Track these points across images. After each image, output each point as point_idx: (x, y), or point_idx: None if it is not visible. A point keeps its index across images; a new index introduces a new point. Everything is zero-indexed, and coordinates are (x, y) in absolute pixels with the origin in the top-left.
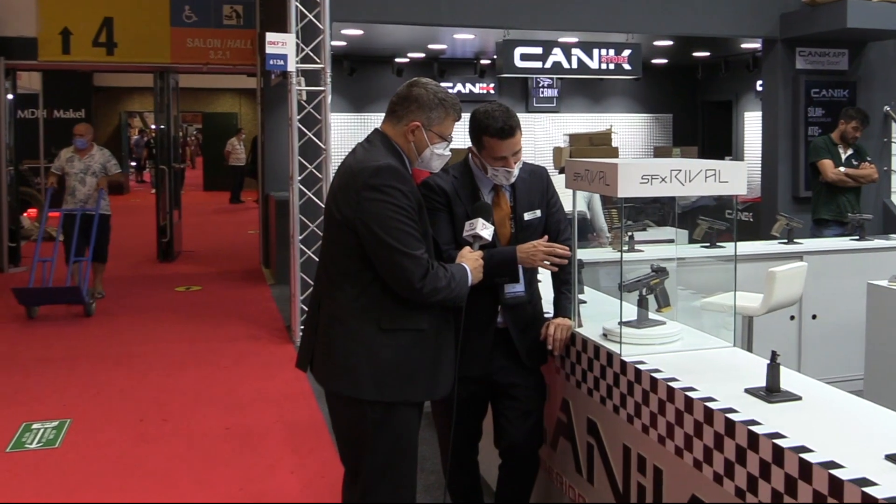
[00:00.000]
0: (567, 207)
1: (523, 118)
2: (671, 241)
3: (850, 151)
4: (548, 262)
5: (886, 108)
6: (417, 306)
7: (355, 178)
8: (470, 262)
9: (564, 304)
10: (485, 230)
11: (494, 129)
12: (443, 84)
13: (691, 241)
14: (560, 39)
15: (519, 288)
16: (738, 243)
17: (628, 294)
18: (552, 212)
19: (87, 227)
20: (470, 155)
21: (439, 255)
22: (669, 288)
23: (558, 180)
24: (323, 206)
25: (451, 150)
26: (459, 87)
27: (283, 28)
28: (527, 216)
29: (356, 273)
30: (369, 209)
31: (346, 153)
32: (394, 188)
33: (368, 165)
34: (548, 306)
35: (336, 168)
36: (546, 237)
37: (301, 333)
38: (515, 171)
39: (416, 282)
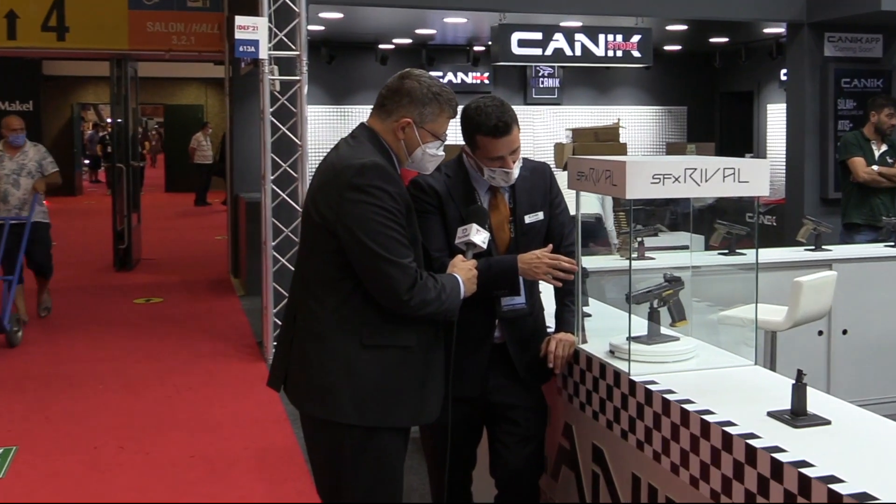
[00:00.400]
0: (571, 209)
1: (521, 111)
2: (685, 247)
3: (884, 148)
4: (550, 277)
5: None
6: (404, 320)
7: (338, 176)
8: (462, 272)
9: (567, 317)
10: (479, 237)
11: (488, 128)
12: (432, 73)
13: (708, 247)
14: (562, 24)
15: (519, 300)
16: (760, 250)
17: (638, 307)
18: (556, 213)
19: (18, 239)
20: (464, 154)
21: (430, 263)
22: (684, 300)
23: (560, 179)
24: (299, 208)
25: (446, 146)
26: (450, 76)
27: (254, 11)
28: (528, 219)
29: (336, 282)
30: (352, 211)
31: (324, 150)
32: (380, 189)
33: (352, 163)
34: (549, 319)
35: (313, 166)
36: (550, 245)
37: (274, 350)
38: (515, 171)
39: (402, 293)
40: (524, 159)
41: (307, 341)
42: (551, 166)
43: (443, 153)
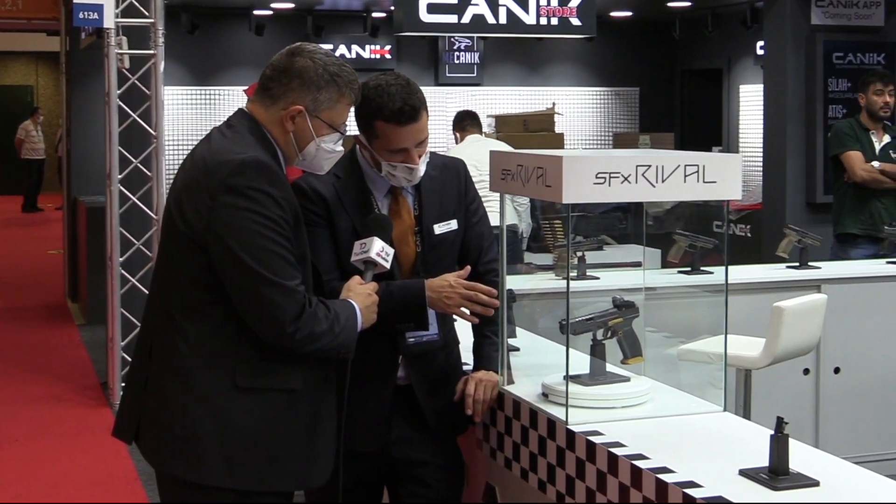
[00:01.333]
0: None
1: (432, 94)
2: (637, 264)
3: (886, 139)
4: (466, 311)
5: None
6: (288, 357)
7: (210, 175)
8: (360, 298)
9: (489, 352)
10: (378, 251)
11: (391, 112)
12: (325, 48)
13: (665, 264)
14: None
15: (429, 330)
16: (732, 267)
17: (577, 338)
18: (472, 222)
19: None
20: (357, 147)
21: (319, 287)
22: (637, 330)
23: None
24: (154, 215)
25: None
26: (343, 50)
27: None
28: (438, 229)
29: (204, 308)
30: (227, 219)
31: (185, 142)
32: (262, 192)
33: (229, 159)
34: (466, 354)
35: (171, 163)
36: (467, 267)
37: (122, 392)
38: (421, 167)
39: (287, 324)
40: (433, 154)
41: (166, 381)
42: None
43: (341, 148)
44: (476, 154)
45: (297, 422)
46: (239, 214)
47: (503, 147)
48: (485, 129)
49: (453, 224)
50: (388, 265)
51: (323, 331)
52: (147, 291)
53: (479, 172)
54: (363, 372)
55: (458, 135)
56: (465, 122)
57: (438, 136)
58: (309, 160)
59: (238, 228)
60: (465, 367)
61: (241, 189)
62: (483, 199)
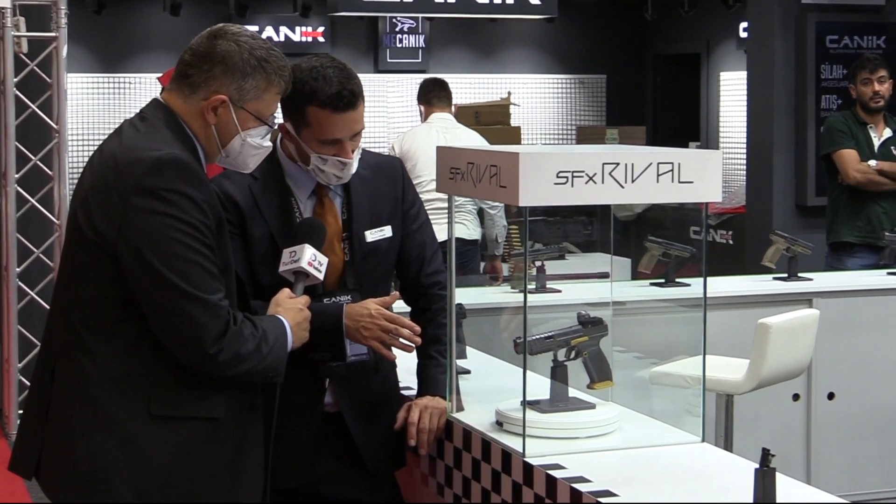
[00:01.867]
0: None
1: (371, 82)
2: (604, 275)
3: (887, 133)
4: (383, 345)
5: None
6: (209, 382)
7: (121, 175)
8: (290, 313)
9: (435, 374)
10: (310, 260)
11: (327, 96)
12: (250, 29)
13: (636, 275)
14: None
15: (359, 347)
16: (712, 279)
17: (537, 360)
18: (411, 229)
19: None
20: (278, 142)
21: (244, 301)
22: (605, 349)
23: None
24: (55, 220)
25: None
26: (270, 32)
27: None
28: (369, 236)
29: (115, 326)
30: (141, 225)
31: (91, 137)
32: (181, 194)
33: (143, 157)
34: (407, 377)
35: (76, 160)
36: (395, 294)
37: (20, 421)
38: (353, 163)
39: (208, 344)
40: (365, 152)
41: (71, 409)
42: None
43: (269, 144)
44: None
45: (218, 454)
46: (154, 219)
47: (474, 137)
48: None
49: (387, 231)
50: (321, 275)
51: (249, 352)
52: (48, 306)
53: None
54: (285, 398)
55: (422, 108)
56: (432, 95)
57: (377, 130)
58: (233, 157)
59: (153, 235)
60: (404, 393)
61: (157, 191)
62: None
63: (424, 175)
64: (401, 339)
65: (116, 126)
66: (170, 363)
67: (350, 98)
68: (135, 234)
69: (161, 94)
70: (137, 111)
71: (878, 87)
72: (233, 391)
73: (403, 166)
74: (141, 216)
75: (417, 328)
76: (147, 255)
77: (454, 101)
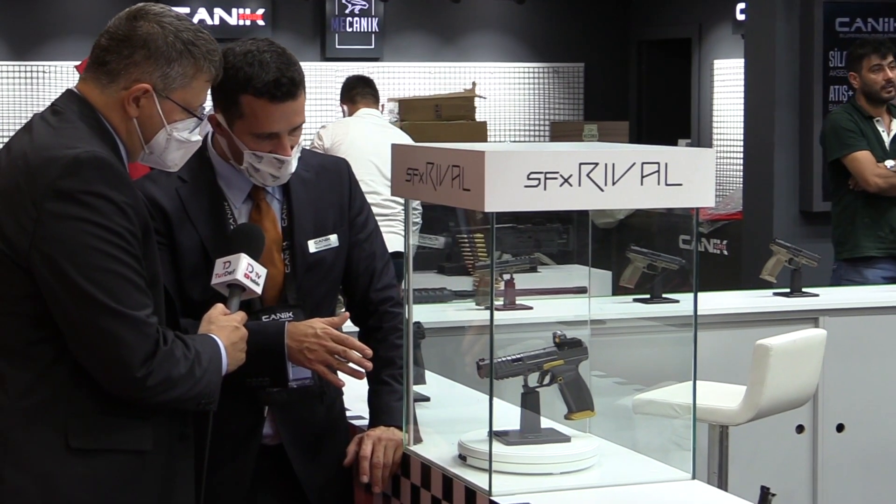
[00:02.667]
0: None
1: (316, 71)
2: (582, 290)
3: (895, 128)
4: (329, 369)
5: None
6: (135, 410)
7: (33, 177)
8: (225, 332)
9: (388, 401)
10: (246, 272)
11: (263, 83)
12: (176, 10)
13: (617, 289)
14: None
15: (301, 371)
16: (703, 294)
17: (505, 385)
18: (360, 239)
19: None
20: (209, 139)
21: (173, 317)
22: (584, 374)
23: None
24: None
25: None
26: (203, 14)
27: None
28: (313, 246)
29: (27, 348)
30: (57, 234)
31: (5, 131)
32: (102, 198)
33: (57, 156)
34: (358, 404)
35: None
36: (345, 314)
37: None
38: (293, 161)
39: (136, 367)
40: (307, 151)
41: None
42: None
43: (198, 139)
44: (376, 146)
45: (145, 492)
46: (72, 226)
47: (403, 137)
48: (386, 115)
49: (332, 240)
50: (259, 289)
51: (181, 375)
52: None
53: (383, 175)
54: (218, 427)
55: (345, 108)
56: (356, 92)
57: (316, 123)
58: (157, 153)
59: (71, 244)
60: (357, 423)
61: (75, 193)
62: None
63: (359, 174)
64: (350, 364)
65: (26, 121)
66: (90, 389)
67: (289, 86)
68: (50, 244)
69: (77, 84)
70: (49, 104)
71: (889, 73)
72: (160, 420)
73: (350, 168)
74: (56, 223)
75: (368, 351)
76: (64, 266)
77: (410, 94)
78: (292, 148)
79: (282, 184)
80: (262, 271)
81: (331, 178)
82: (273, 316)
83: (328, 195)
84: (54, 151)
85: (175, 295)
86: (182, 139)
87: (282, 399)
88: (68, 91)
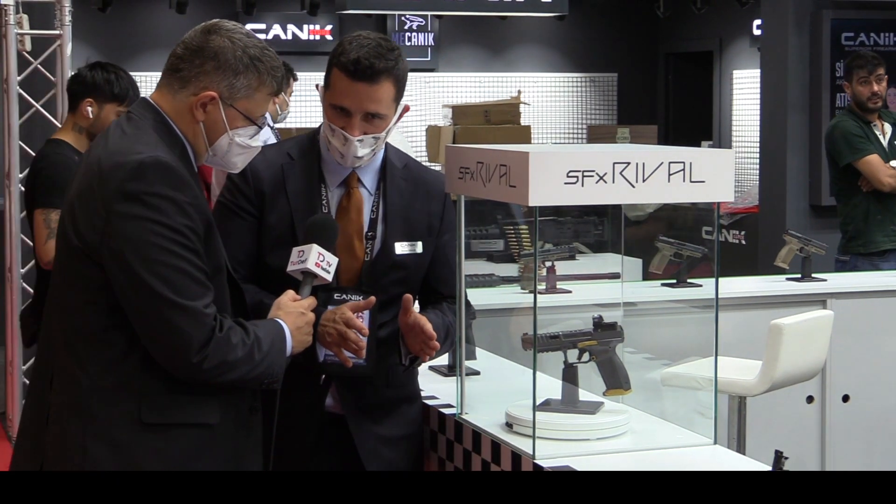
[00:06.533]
0: None
1: None
2: (615, 276)
3: (889, 130)
4: (342, 350)
5: None
6: (202, 388)
7: (104, 180)
8: (291, 318)
9: (433, 316)
10: (317, 261)
11: (347, 59)
12: (252, 28)
13: (647, 275)
14: None
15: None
16: (724, 279)
17: (549, 362)
18: (442, 252)
19: None
20: (322, 123)
21: (240, 300)
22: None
23: None
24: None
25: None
26: (278, 30)
27: None
28: (399, 248)
29: (103, 333)
30: (123, 232)
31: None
32: (164, 198)
33: (125, 161)
34: (430, 385)
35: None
36: (371, 298)
37: (20, 428)
38: (360, 147)
39: (192, 353)
40: (412, 161)
41: (67, 419)
42: (423, 161)
43: (258, 145)
44: (400, 143)
45: (215, 461)
46: (137, 225)
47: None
48: (439, 120)
49: (419, 247)
50: (329, 276)
51: (238, 359)
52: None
53: None
54: (285, 397)
55: None
56: None
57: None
58: (220, 156)
59: (135, 241)
60: (430, 403)
61: (139, 195)
62: None
63: None
64: (350, 344)
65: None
66: (160, 370)
67: (368, 70)
68: (118, 241)
69: (151, 94)
70: (125, 111)
71: (876, 87)
72: (228, 396)
73: (445, 188)
74: (123, 222)
75: (365, 330)
76: (129, 261)
77: (462, 101)
78: (363, 135)
79: (353, 166)
80: (334, 260)
81: (427, 189)
82: (345, 296)
83: (422, 206)
84: (123, 157)
85: (252, 261)
86: (242, 144)
87: (333, 370)
88: (142, 99)
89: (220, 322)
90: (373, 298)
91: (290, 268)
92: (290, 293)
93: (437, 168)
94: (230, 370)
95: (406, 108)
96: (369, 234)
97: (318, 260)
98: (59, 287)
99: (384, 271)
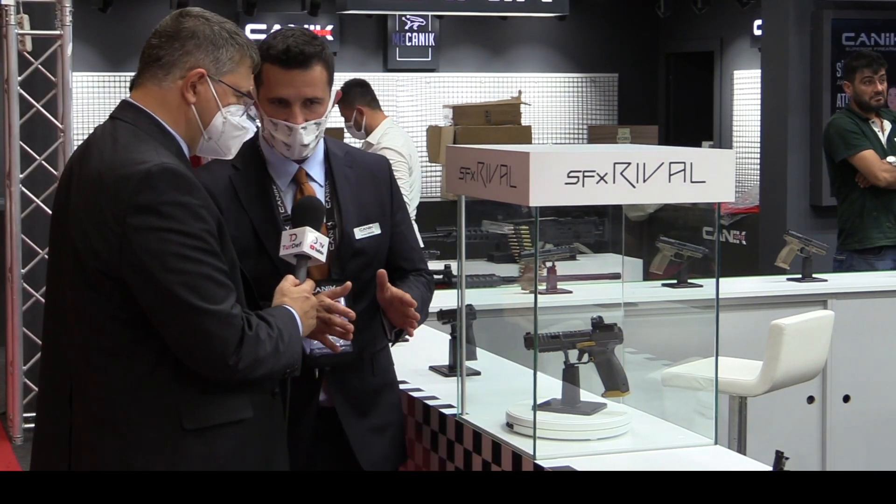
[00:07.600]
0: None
1: (381, 79)
2: (616, 276)
3: (888, 127)
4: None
5: None
6: (233, 386)
7: (111, 195)
8: (297, 303)
9: (407, 285)
10: (312, 243)
11: (277, 51)
12: (252, 28)
13: (647, 276)
14: None
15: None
16: (724, 280)
17: (550, 363)
18: (399, 230)
19: None
20: (259, 128)
21: (250, 293)
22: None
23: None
24: None
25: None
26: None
27: None
28: (358, 232)
29: (132, 346)
30: (142, 245)
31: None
32: (178, 205)
33: (130, 172)
34: (411, 377)
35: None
36: (347, 284)
37: (34, 447)
38: (305, 135)
39: (228, 356)
40: (354, 149)
41: (100, 437)
42: (424, 161)
43: (252, 126)
44: (406, 144)
45: (253, 453)
46: (154, 236)
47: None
48: (440, 121)
49: (375, 229)
50: (323, 257)
51: (268, 353)
52: (45, 327)
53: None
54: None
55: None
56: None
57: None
58: (216, 139)
59: (155, 253)
60: (414, 394)
61: (152, 206)
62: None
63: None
64: (336, 328)
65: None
66: (193, 377)
67: (299, 56)
68: (137, 255)
69: (130, 94)
70: (108, 117)
71: (879, 86)
72: (254, 387)
73: (391, 167)
74: (140, 235)
75: (352, 314)
76: (152, 273)
77: (463, 101)
78: (306, 122)
79: (300, 156)
80: (325, 240)
81: (372, 172)
82: (319, 288)
83: (370, 189)
84: (126, 169)
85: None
86: (235, 123)
87: (322, 362)
88: (125, 102)
89: (246, 320)
90: (349, 284)
91: (282, 252)
92: (291, 279)
93: (437, 168)
94: (261, 365)
95: (339, 95)
96: (329, 223)
97: (312, 242)
98: (77, 306)
99: (349, 258)
